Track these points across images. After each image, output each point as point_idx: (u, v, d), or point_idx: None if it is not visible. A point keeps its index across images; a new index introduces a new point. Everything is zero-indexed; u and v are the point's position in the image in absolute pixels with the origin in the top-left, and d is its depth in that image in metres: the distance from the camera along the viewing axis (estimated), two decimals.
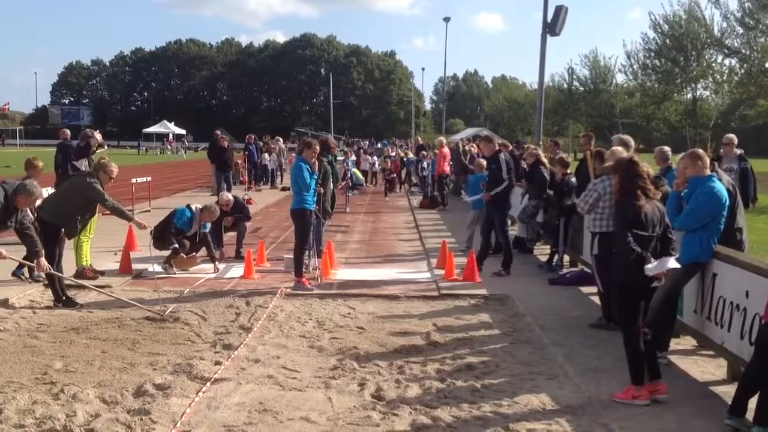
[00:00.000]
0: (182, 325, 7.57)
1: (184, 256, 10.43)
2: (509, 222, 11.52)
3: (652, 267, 5.40)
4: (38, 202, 8.32)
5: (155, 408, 5.18)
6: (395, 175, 27.18)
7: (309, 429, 4.96)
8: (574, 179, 10.73)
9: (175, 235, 10.37)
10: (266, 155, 28.10)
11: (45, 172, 10.25)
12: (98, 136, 14.62)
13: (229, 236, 12.23)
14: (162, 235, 10.30)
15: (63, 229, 8.48)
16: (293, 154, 26.68)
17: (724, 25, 32.79)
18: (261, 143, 28.79)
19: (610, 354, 6.63)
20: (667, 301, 6.35)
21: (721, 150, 10.29)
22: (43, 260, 7.72)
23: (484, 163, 13.52)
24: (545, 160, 12.33)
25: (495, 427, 4.99)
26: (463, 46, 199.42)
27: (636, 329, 5.50)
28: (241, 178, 25.97)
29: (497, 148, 11.12)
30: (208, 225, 10.89)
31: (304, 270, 9.69)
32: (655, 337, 6.16)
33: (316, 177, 9.73)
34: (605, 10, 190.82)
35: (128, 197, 16.32)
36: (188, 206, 10.74)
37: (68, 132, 15.92)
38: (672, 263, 5.54)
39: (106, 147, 12.19)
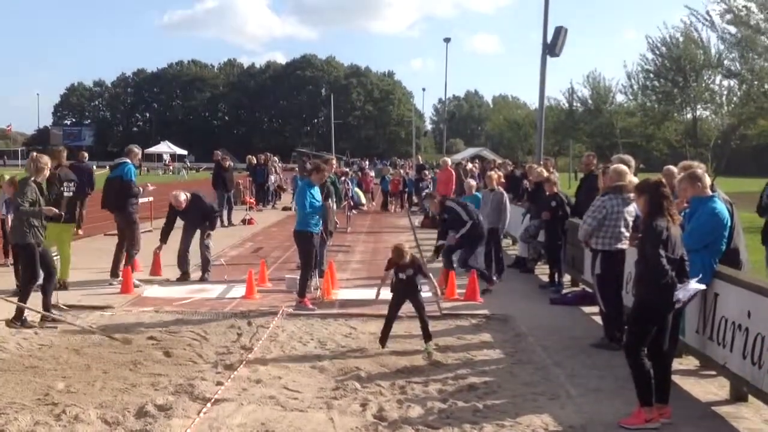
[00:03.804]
0: (183, 345, 7.57)
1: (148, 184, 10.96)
2: (510, 242, 11.53)
3: (681, 294, 5.34)
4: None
5: (157, 429, 5.17)
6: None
7: None
8: (565, 198, 10.95)
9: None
10: (271, 177, 28.25)
11: None
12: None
13: (231, 256, 12.22)
14: (122, 202, 10.73)
15: (31, 245, 8.20)
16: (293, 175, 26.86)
17: (721, 47, 32.97)
18: (275, 165, 29.03)
19: (612, 374, 6.62)
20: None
21: None
22: None
23: (474, 183, 13.78)
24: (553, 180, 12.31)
25: None
26: (462, 67, 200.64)
27: (643, 350, 5.45)
28: (242, 198, 25.87)
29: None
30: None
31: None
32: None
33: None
34: (601, 30, 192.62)
35: None
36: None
37: (86, 154, 17.12)
38: (696, 285, 5.50)
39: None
